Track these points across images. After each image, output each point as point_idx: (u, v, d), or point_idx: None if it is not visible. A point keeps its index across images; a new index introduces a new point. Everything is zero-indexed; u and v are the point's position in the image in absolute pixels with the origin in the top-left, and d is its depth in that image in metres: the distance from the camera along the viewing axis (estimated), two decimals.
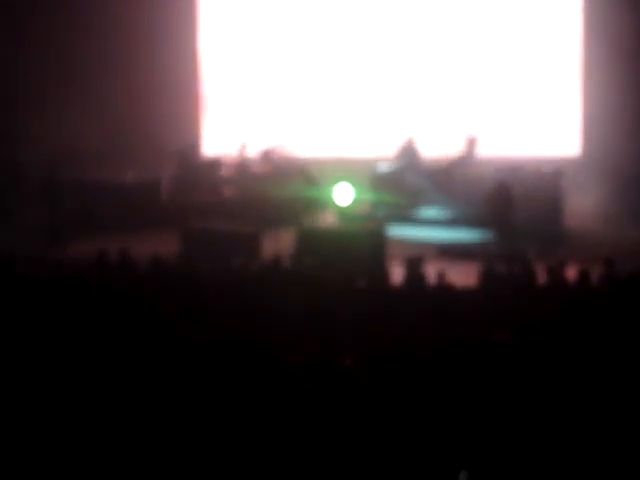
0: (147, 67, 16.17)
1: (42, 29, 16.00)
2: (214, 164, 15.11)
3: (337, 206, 13.64)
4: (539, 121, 16.18)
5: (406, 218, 13.70)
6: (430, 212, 13.99)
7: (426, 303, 8.47)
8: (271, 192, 13.91)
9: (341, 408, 6.11)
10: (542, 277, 9.05)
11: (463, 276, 9.78)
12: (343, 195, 13.58)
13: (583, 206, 14.14)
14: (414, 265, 9.32)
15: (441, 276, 8.98)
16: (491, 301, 8.39)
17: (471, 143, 14.91)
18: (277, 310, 8.24)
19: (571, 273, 9.07)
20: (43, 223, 13.27)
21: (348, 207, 13.56)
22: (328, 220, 13.73)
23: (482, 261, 9.93)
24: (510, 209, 12.43)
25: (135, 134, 16.16)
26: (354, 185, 13.61)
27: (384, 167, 14.64)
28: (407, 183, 14.18)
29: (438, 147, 15.68)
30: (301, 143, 16.21)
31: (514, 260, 9.94)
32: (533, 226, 12.67)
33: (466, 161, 14.72)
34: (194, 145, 16.19)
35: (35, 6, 16.03)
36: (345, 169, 14.38)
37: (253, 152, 15.16)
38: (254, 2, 16.75)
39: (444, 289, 8.80)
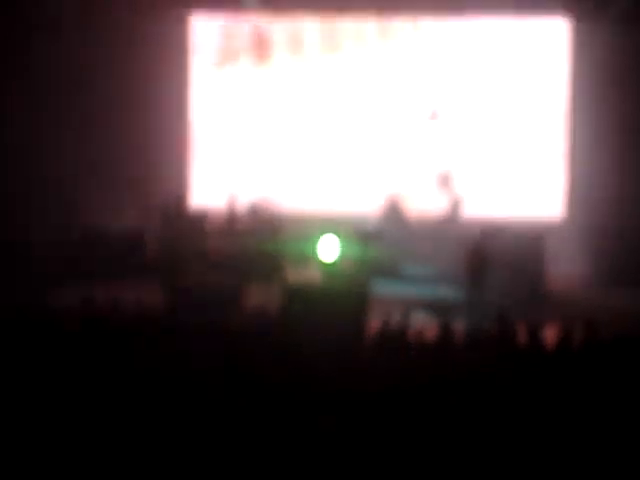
0: (137, 114, 16.27)
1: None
2: (200, 217, 15.18)
3: (321, 261, 13.68)
4: (523, 183, 16.34)
5: (390, 275, 13.79)
6: (413, 269, 14.08)
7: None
8: (256, 246, 13.97)
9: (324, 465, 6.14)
10: (521, 338, 9.09)
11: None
12: (328, 251, 13.63)
13: (565, 269, 14.25)
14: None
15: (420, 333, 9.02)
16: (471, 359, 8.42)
17: (455, 204, 15.07)
18: (258, 364, 8.24)
19: (550, 335, 9.12)
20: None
21: (332, 263, 13.61)
22: (312, 275, 13.76)
23: (464, 318, 10.02)
24: (484, 269, 12.57)
25: (121, 181, 16.21)
26: (339, 241, 13.68)
27: (369, 224, 14.75)
28: (391, 240, 14.30)
29: (423, 206, 15.82)
30: (287, 196, 16.31)
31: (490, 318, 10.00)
32: (514, 288, 12.77)
33: (450, 221, 14.87)
34: (181, 196, 16.26)
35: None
36: (331, 224, 14.47)
37: (240, 204, 15.26)
38: (246, 59, 16.97)
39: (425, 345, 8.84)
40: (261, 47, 16.76)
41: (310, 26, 16.68)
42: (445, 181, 15.81)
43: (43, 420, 6.50)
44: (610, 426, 6.67)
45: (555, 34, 16.28)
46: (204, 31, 16.93)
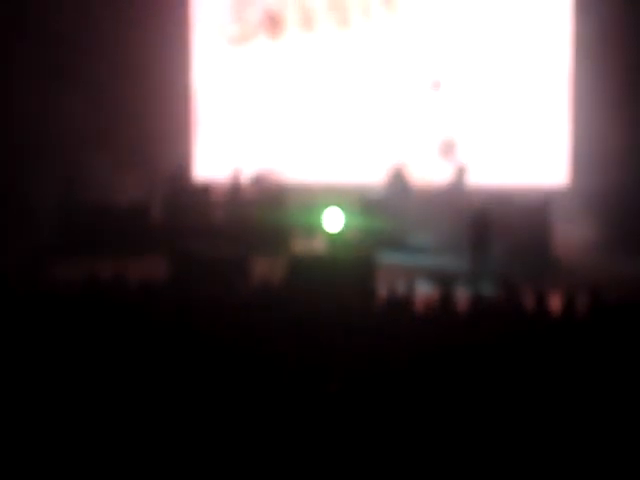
0: (141, 86, 16.24)
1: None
2: (205, 188, 15.17)
3: (326, 232, 13.69)
4: (528, 150, 16.31)
5: (395, 244, 13.78)
6: (418, 239, 14.06)
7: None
8: (260, 217, 13.96)
9: (328, 433, 6.15)
10: (528, 304, 9.08)
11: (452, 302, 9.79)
12: (333, 221, 13.64)
13: (571, 236, 14.22)
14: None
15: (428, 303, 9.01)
16: (478, 327, 8.41)
17: (460, 172, 15.01)
18: (265, 334, 8.25)
19: (556, 302, 9.11)
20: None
21: (338, 233, 13.62)
22: (317, 246, 13.77)
23: (468, 287, 10.00)
24: (487, 237, 12.56)
25: (125, 154, 16.21)
26: (344, 211, 13.68)
27: (374, 193, 14.72)
28: (396, 210, 14.27)
29: (428, 174, 15.78)
30: (292, 168, 16.30)
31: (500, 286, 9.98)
32: (520, 255, 12.76)
33: (455, 189, 14.82)
34: (184, 167, 16.24)
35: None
36: (335, 195, 14.46)
37: (245, 176, 15.24)
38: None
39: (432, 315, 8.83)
40: (274, 26, 16.72)
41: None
42: (448, 148, 15.79)
43: (43, 397, 6.51)
44: (615, 393, 6.66)
45: None
46: (207, 1, 16.88)
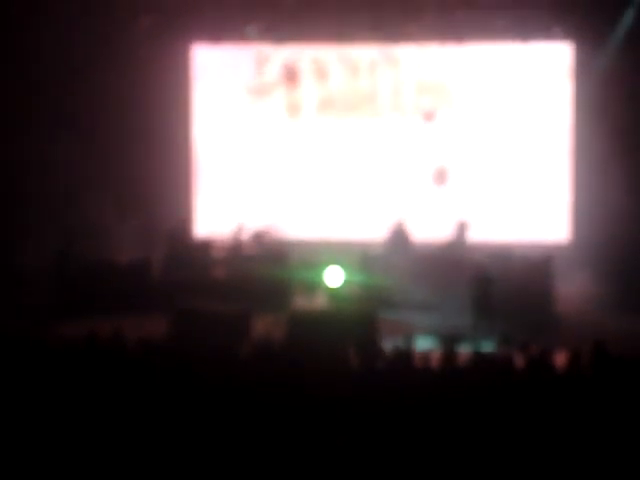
0: (140, 145, 16.29)
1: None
2: (205, 245, 15.16)
3: (327, 288, 13.67)
4: (529, 207, 16.35)
5: (395, 301, 13.73)
6: (418, 295, 14.01)
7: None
8: (261, 273, 13.94)
9: None
10: (529, 362, 9.02)
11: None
12: (334, 277, 13.62)
13: (572, 292, 14.19)
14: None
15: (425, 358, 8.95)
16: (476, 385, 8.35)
17: (462, 228, 15.01)
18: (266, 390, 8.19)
19: (560, 358, 9.06)
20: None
21: (338, 289, 13.60)
22: (318, 301, 13.74)
23: (470, 345, 9.93)
24: (490, 294, 12.52)
25: (127, 212, 16.23)
26: (344, 267, 13.66)
27: (374, 250, 14.72)
28: (397, 266, 14.24)
29: (429, 231, 15.78)
30: (292, 224, 16.31)
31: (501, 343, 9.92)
32: (522, 312, 12.70)
33: (456, 246, 14.81)
34: (185, 225, 16.26)
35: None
36: (336, 251, 14.47)
37: (246, 232, 15.24)
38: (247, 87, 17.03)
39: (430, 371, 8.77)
40: (291, 79, 16.87)
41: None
42: (441, 176, 15.82)
43: (45, 453, 6.47)
44: (617, 447, 6.61)
45: (557, 58, 16.31)
46: (207, 60, 17.00)
